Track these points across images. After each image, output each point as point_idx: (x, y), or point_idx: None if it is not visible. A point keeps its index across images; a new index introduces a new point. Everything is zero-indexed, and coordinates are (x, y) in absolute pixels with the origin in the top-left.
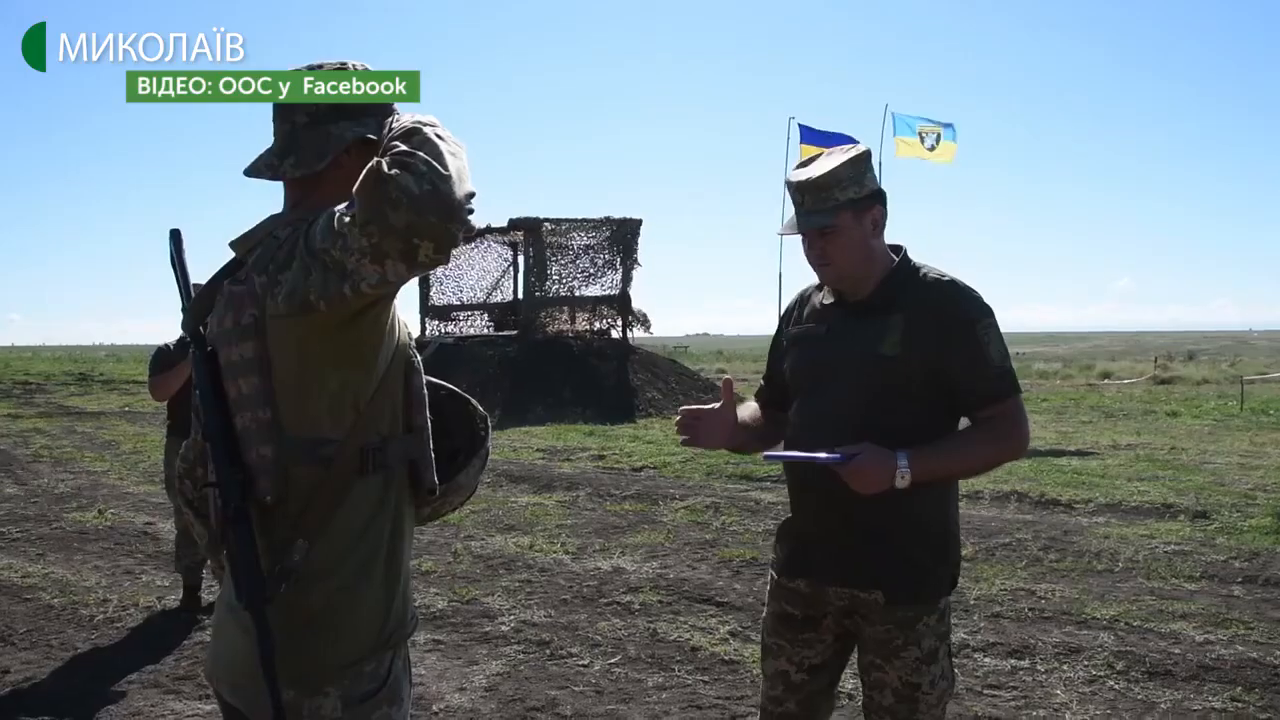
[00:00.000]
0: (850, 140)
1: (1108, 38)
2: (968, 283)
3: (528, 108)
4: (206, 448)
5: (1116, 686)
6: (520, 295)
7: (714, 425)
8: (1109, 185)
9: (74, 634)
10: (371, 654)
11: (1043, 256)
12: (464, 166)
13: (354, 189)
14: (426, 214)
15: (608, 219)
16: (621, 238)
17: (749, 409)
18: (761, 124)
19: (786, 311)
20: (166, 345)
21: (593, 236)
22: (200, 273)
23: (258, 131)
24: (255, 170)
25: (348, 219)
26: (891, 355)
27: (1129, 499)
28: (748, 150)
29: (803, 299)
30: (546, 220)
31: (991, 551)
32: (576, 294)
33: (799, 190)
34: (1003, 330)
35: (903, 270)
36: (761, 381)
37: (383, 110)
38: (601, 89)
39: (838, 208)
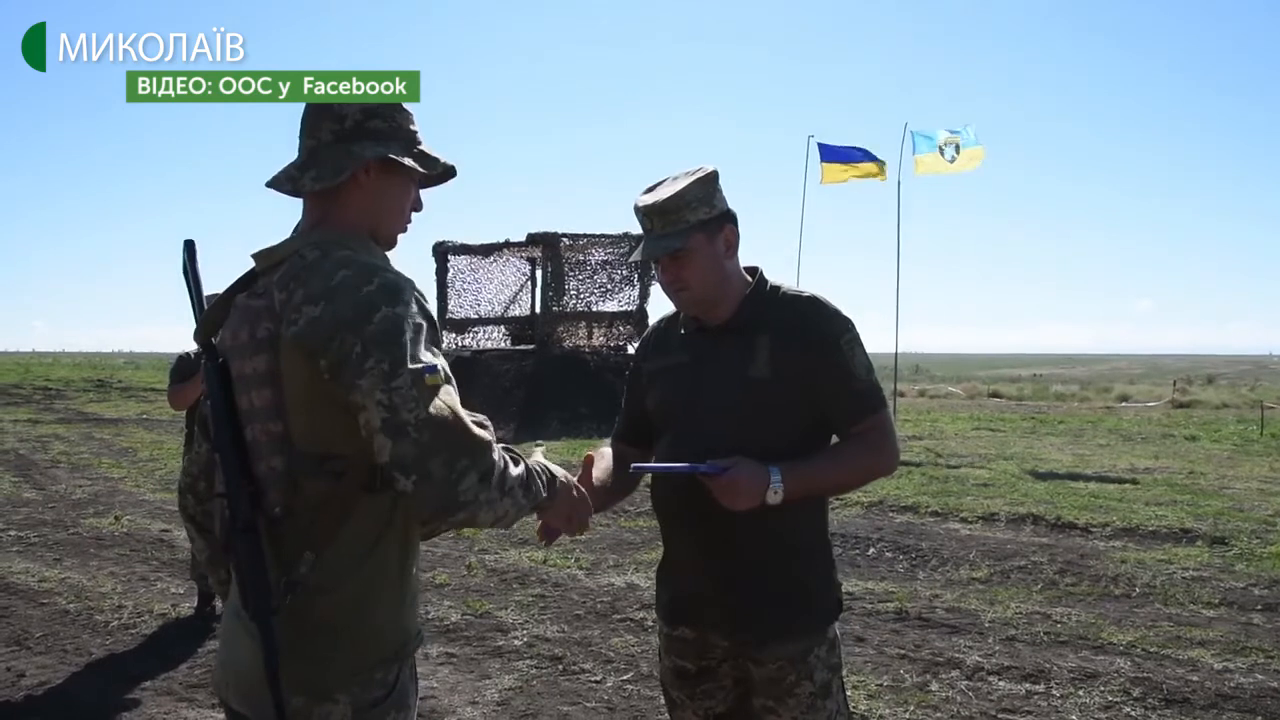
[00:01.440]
0: (869, 154)
1: (1133, 60)
2: (827, 297)
3: (546, 120)
4: (216, 459)
5: (1133, 714)
6: (537, 310)
7: None
8: (1134, 206)
9: (89, 639)
10: (380, 664)
11: (1063, 276)
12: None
13: (452, 436)
14: (435, 517)
15: (626, 235)
16: None
17: (604, 464)
18: (781, 141)
19: (643, 344)
20: (187, 354)
21: (610, 252)
22: (212, 283)
23: (266, 133)
24: (276, 182)
25: (412, 416)
26: (760, 378)
27: (1146, 523)
28: (767, 167)
29: (659, 331)
30: (564, 235)
31: (1007, 574)
32: (593, 309)
33: (647, 215)
34: (1022, 351)
35: (760, 290)
36: (619, 418)
37: (408, 137)
38: (621, 101)
39: (689, 230)
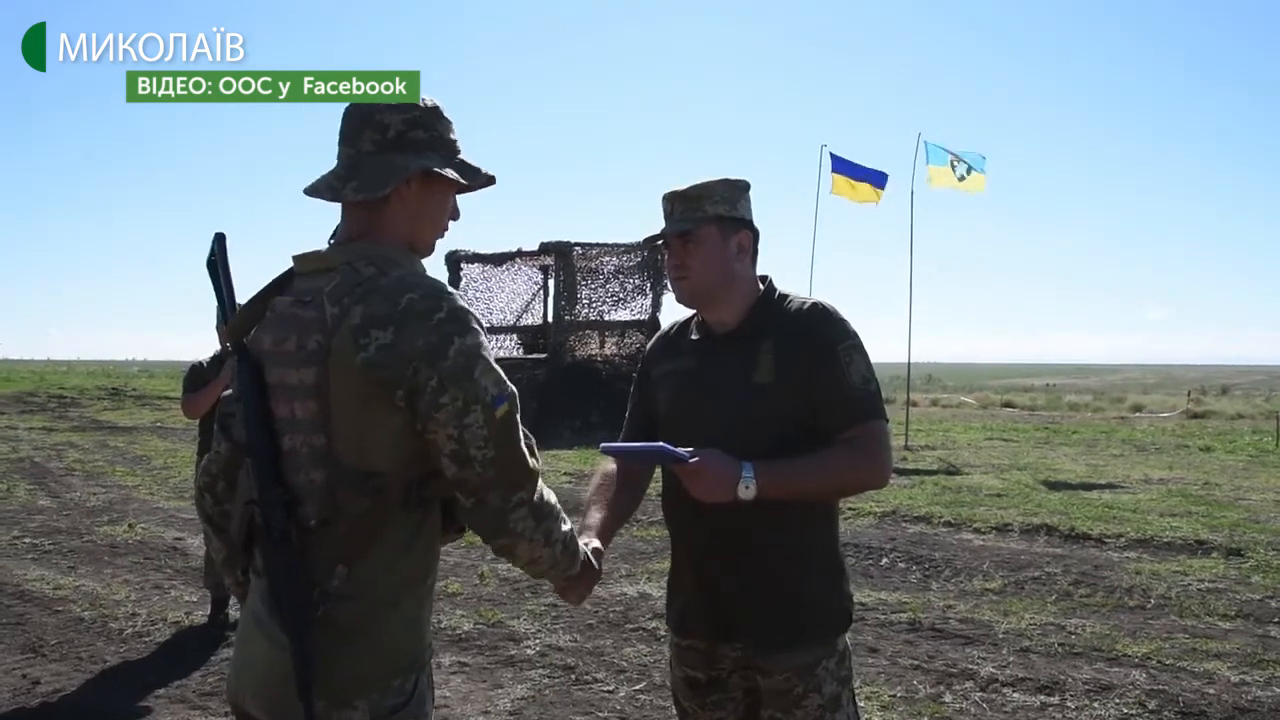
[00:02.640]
0: (874, 174)
1: (1148, 65)
2: (833, 306)
3: (551, 123)
4: (248, 464)
5: None
6: (550, 318)
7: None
8: (1148, 214)
9: (103, 647)
10: (399, 672)
11: (1076, 285)
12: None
13: (529, 496)
14: (480, 536)
15: (638, 244)
16: (651, 262)
17: (608, 494)
18: (794, 150)
19: (651, 347)
20: (200, 363)
21: (623, 261)
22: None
23: (270, 133)
24: (316, 190)
25: (479, 453)
26: (764, 383)
27: (1161, 534)
28: (779, 176)
29: (668, 335)
30: (577, 244)
31: (1021, 585)
32: (606, 318)
33: (669, 200)
34: (1035, 360)
35: (769, 298)
36: (626, 422)
37: (448, 147)
38: (631, 103)
39: (704, 219)
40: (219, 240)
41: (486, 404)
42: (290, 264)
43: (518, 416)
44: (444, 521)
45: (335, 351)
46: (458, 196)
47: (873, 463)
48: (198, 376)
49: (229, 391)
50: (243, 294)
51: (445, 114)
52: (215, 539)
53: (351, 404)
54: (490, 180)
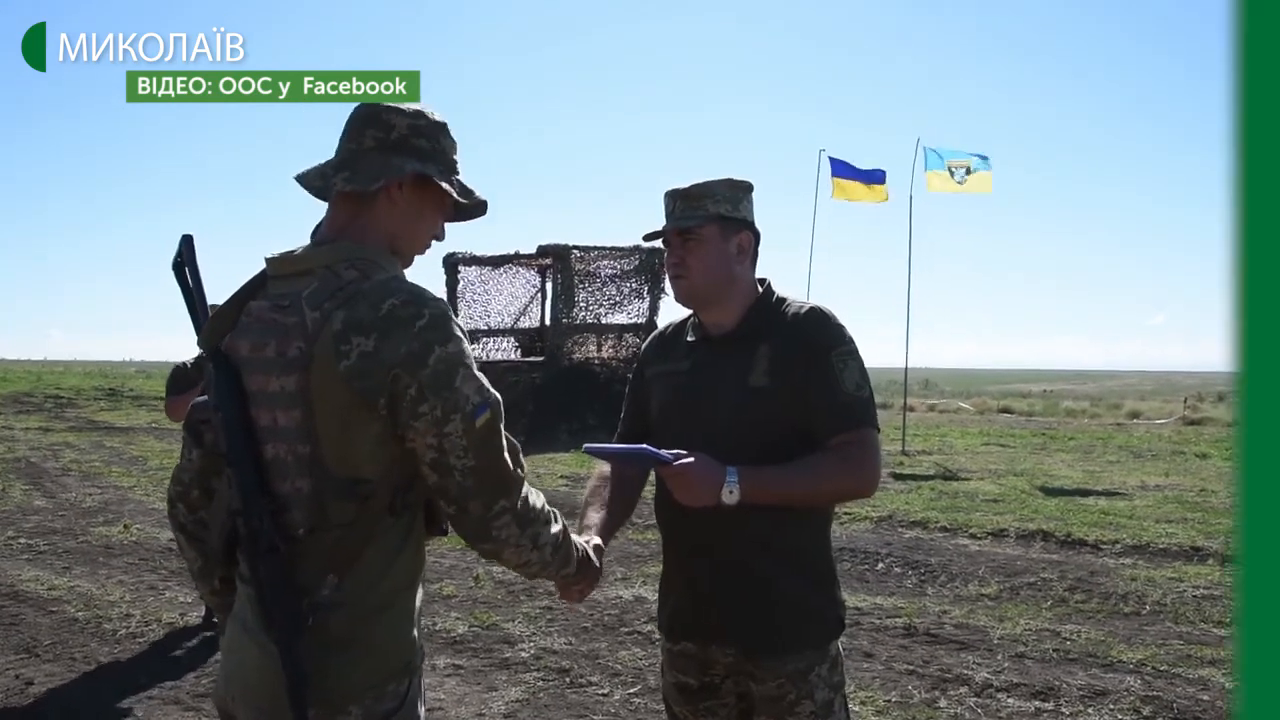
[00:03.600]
0: (876, 174)
1: (1148, 68)
2: (831, 311)
3: (557, 131)
4: (229, 473)
5: None
6: (547, 321)
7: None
8: (1148, 218)
9: (97, 648)
10: (392, 677)
11: (1075, 290)
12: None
13: (508, 503)
14: (465, 540)
15: (636, 247)
16: (649, 266)
17: (603, 498)
18: (791, 156)
19: (647, 348)
20: (184, 364)
21: (621, 265)
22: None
23: (273, 132)
24: (306, 179)
25: (459, 462)
26: (759, 386)
27: (1157, 540)
28: (778, 179)
29: (663, 336)
30: (575, 247)
31: (1016, 590)
32: (603, 321)
33: (671, 198)
34: (1032, 366)
35: (766, 301)
36: (621, 423)
37: (448, 164)
38: (634, 109)
39: (706, 218)
40: (186, 242)
41: (466, 413)
42: (264, 266)
43: (500, 424)
44: (425, 521)
45: (317, 358)
46: (447, 226)
47: (861, 470)
48: (181, 379)
49: (203, 398)
50: (217, 297)
51: (451, 133)
52: (188, 549)
53: (335, 411)
54: (482, 207)
